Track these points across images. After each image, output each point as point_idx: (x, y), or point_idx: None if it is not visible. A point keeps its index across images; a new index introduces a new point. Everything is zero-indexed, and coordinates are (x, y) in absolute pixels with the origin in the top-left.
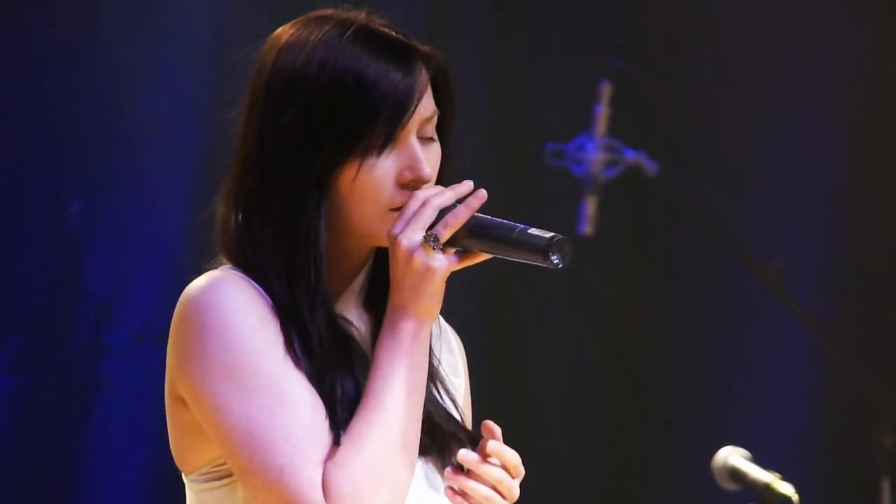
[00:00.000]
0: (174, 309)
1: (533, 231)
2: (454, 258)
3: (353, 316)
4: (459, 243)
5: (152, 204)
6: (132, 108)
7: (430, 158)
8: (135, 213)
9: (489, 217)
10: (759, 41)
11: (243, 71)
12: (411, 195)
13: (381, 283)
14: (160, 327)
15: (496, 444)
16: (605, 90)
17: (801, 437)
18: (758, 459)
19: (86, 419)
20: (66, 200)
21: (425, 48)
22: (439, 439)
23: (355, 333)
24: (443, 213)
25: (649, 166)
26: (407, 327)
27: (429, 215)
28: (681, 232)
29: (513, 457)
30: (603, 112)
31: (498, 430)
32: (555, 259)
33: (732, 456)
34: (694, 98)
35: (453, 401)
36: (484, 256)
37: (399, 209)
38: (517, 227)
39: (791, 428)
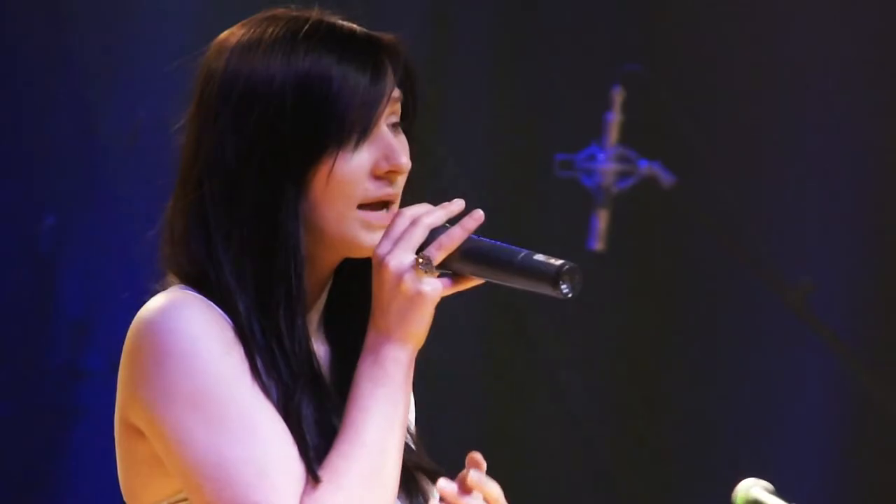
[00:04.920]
0: None
1: (539, 257)
2: (447, 282)
3: (314, 334)
4: (451, 266)
5: (132, 218)
6: (109, 114)
7: (402, 147)
8: (113, 229)
9: (484, 239)
10: (783, 43)
11: None
12: (398, 213)
13: (341, 300)
14: None
15: (478, 476)
16: (618, 96)
17: (828, 469)
18: (782, 492)
19: (61, 448)
20: (39, 215)
21: (388, 38)
22: (405, 474)
23: (320, 353)
24: (433, 233)
25: (664, 177)
26: (391, 355)
27: (419, 236)
28: (699, 248)
29: (494, 490)
30: (615, 119)
31: (483, 462)
32: (564, 288)
33: (755, 488)
34: (712, 104)
35: (409, 431)
36: (477, 281)
37: (368, 205)
38: (520, 252)
39: (817, 459)
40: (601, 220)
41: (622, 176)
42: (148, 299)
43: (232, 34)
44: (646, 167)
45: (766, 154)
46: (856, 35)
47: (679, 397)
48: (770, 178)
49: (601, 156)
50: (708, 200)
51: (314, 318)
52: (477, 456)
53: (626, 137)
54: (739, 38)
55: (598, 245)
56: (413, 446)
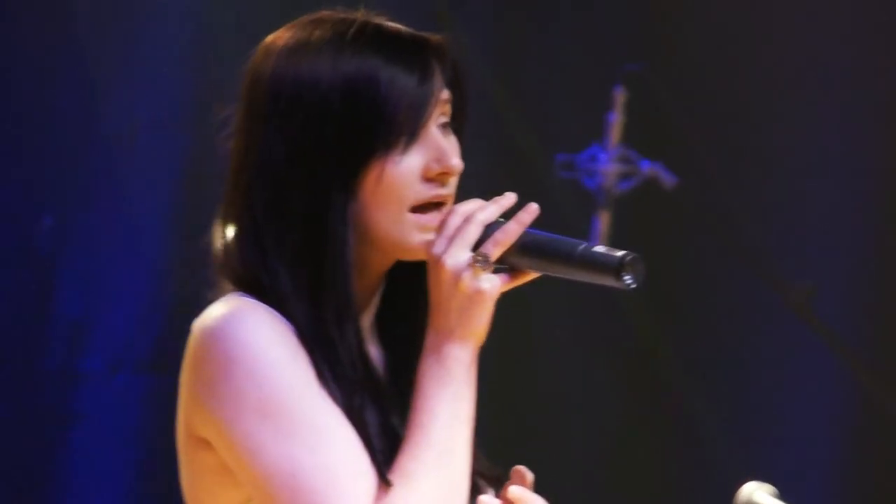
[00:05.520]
0: (153, 332)
1: (599, 249)
2: (505, 277)
3: (368, 337)
4: (508, 261)
5: (130, 218)
6: (108, 113)
7: (453, 148)
8: (111, 229)
9: (540, 232)
10: (785, 43)
11: (229, 73)
12: (451, 210)
13: (394, 302)
14: (138, 352)
15: (520, 492)
16: (619, 96)
17: (831, 472)
18: (785, 496)
19: (57, 453)
20: (36, 215)
21: (435, 38)
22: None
23: (375, 356)
24: (487, 229)
25: (667, 178)
26: (454, 354)
27: (474, 232)
28: (701, 250)
29: None
30: (617, 120)
31: (530, 476)
32: (627, 279)
33: (757, 492)
34: (714, 105)
35: None
36: (534, 275)
37: (420, 208)
38: (579, 244)
39: (821, 462)
40: (603, 221)
41: (624, 177)
42: (150, 301)
43: (278, 37)
44: (648, 168)
45: (767, 155)
46: (858, 35)
47: (680, 399)
48: (772, 179)
49: (603, 157)
50: (710, 201)
51: (367, 322)
52: (522, 470)
53: (627, 138)
54: (741, 39)
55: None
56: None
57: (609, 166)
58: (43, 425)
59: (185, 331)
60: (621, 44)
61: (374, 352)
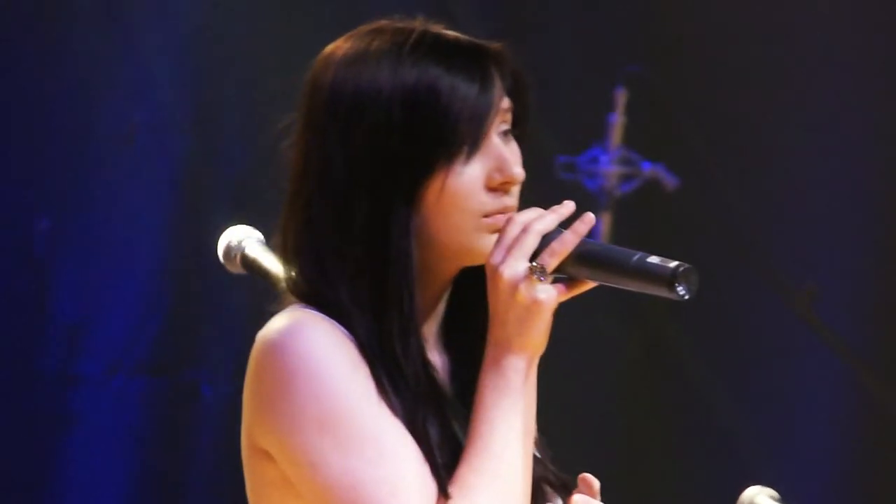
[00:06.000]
0: (150, 335)
1: (653, 259)
2: (562, 287)
3: (433, 345)
4: (565, 271)
5: (127, 221)
6: (104, 116)
7: (515, 157)
8: (108, 231)
9: (597, 242)
10: (788, 45)
11: (228, 75)
12: (509, 219)
13: (458, 310)
14: (135, 355)
15: (585, 500)
16: (620, 97)
17: (835, 477)
18: (786, 499)
19: (54, 456)
20: (33, 217)
21: (494, 47)
22: (531, 485)
23: (440, 363)
24: (545, 238)
25: (668, 180)
26: (513, 365)
27: (531, 243)
28: (703, 252)
29: None
30: (618, 121)
31: (596, 483)
32: (681, 290)
33: (759, 497)
34: (716, 106)
35: (535, 442)
36: (591, 284)
37: (492, 215)
38: (634, 254)
39: (824, 466)
40: (604, 223)
41: (625, 178)
42: (148, 304)
43: (337, 48)
44: (649, 170)
45: (770, 156)
46: (858, 35)
47: (683, 403)
48: (774, 181)
49: (604, 158)
50: (712, 203)
51: (432, 329)
52: (589, 478)
53: (629, 139)
54: (743, 40)
55: None
56: (539, 457)
57: (610, 168)
58: (40, 428)
59: (182, 333)
60: (621, 44)
61: (439, 359)
